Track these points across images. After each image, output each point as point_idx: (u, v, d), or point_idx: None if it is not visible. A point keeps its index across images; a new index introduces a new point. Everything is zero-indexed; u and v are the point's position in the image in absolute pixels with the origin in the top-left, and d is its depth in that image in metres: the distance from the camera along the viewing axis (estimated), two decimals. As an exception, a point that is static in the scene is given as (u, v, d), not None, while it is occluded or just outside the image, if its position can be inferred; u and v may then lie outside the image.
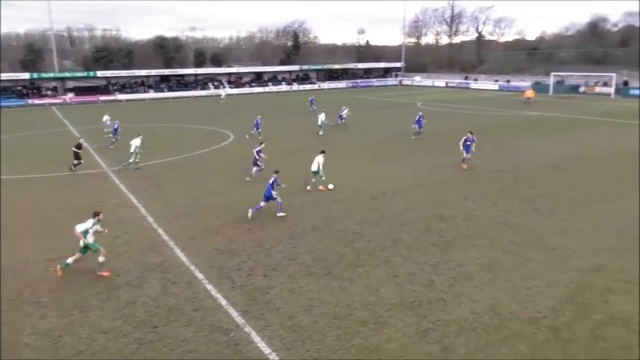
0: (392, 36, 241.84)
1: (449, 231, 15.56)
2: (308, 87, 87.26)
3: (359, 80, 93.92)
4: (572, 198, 18.91)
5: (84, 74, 75.15)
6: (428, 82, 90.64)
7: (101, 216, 13.01)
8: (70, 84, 73.73)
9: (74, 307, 11.13)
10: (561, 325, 10.03)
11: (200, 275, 12.69)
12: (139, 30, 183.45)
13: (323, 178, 20.39)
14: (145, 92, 76.53)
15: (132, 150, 25.00)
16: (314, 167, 20.28)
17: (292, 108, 54.56)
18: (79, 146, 24.99)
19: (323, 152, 20.73)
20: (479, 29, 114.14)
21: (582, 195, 19.34)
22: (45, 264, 13.51)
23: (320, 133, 34.65)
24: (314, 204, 18.29)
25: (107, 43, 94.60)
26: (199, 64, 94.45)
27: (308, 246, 14.52)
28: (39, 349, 9.61)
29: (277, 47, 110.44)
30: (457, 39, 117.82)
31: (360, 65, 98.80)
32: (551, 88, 66.91)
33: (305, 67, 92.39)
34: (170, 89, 78.48)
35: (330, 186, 20.53)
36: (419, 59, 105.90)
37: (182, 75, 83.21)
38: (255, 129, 33.75)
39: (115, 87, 75.97)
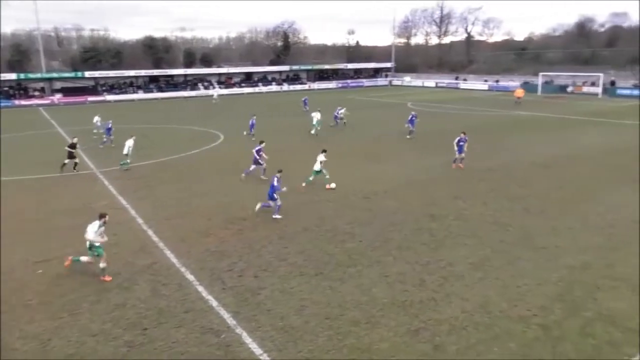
0: (382, 36, 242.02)
1: (440, 230, 15.63)
2: (298, 87, 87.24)
3: (349, 81, 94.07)
4: (561, 197, 19.08)
5: (72, 74, 74.53)
6: (418, 82, 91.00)
7: (107, 218, 12.79)
8: (58, 85, 73.04)
9: (63, 310, 11.02)
10: (551, 323, 10.12)
11: (190, 277, 12.62)
12: (127, 30, 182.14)
13: (327, 177, 20.45)
14: (134, 92, 76.02)
15: (125, 151, 24.91)
16: (316, 167, 20.37)
17: (285, 108, 54.50)
18: (72, 146, 24.76)
19: (324, 151, 20.80)
20: (468, 30, 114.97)
21: (571, 194, 19.52)
22: (33, 266, 13.38)
23: (312, 132, 34.64)
24: (305, 204, 18.28)
25: (95, 43, 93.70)
26: (188, 65, 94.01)
27: (299, 246, 14.51)
28: (28, 353, 9.50)
29: (267, 47, 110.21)
30: (446, 40, 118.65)
31: (351, 66, 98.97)
32: (539, 88, 67.48)
33: (295, 67, 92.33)
34: (160, 90, 78.01)
35: (333, 185, 20.56)
36: (409, 59, 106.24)
37: (172, 76, 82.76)
38: (250, 129, 33.70)
39: (104, 88, 75.40)
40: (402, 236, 15.17)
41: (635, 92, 62.22)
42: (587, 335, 9.64)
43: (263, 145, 22.22)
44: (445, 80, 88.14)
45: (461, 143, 23.98)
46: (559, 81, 70.04)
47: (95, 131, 36.84)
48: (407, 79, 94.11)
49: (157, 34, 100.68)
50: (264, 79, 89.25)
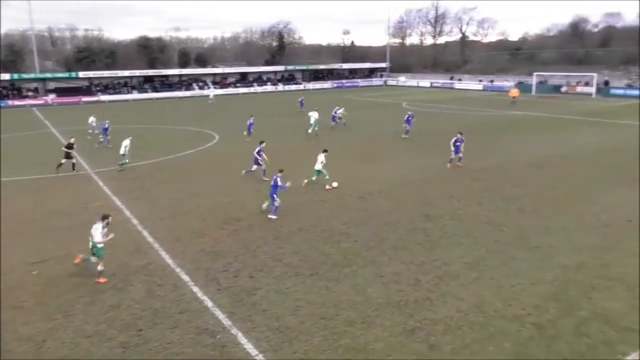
0: (377, 37, 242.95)
1: (435, 230, 15.66)
2: (293, 87, 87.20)
3: (344, 81, 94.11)
4: (555, 197, 19.16)
5: (66, 74, 74.12)
6: (413, 82, 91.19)
7: (110, 219, 12.80)
8: (52, 85, 72.62)
9: (57, 312, 10.97)
10: (545, 322, 10.15)
11: (186, 277, 12.59)
12: (121, 30, 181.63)
13: (327, 177, 20.45)
14: (128, 92, 75.74)
15: (122, 151, 24.85)
16: (317, 166, 20.40)
17: (281, 109, 54.42)
18: (69, 146, 24.63)
19: (325, 151, 20.83)
20: (463, 30, 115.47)
21: (565, 194, 19.60)
22: (27, 267, 13.30)
23: (309, 131, 34.66)
24: (300, 205, 18.27)
25: (90, 43, 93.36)
26: (183, 65, 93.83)
27: (294, 247, 14.50)
28: (23, 354, 9.45)
29: (262, 47, 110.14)
30: (441, 40, 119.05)
31: (346, 66, 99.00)
32: (534, 88, 67.75)
33: (290, 67, 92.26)
34: (154, 90, 77.74)
35: (335, 184, 20.60)
36: (404, 59, 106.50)
37: (166, 76, 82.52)
38: (248, 129, 33.70)
39: (98, 88, 75.07)
40: (397, 236, 15.19)
41: (629, 92, 62.61)
42: (581, 335, 9.69)
43: (263, 145, 22.16)
44: (440, 80, 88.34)
45: (457, 143, 24.08)
46: (553, 81, 70.37)
47: (90, 131, 36.70)
48: (402, 79, 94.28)
49: (152, 34, 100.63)
50: (259, 79, 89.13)
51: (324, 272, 12.72)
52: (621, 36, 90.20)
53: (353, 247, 14.44)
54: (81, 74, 72.62)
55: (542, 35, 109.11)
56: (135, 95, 75.13)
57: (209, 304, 11.20)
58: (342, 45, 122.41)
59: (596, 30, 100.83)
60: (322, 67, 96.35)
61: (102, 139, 32.19)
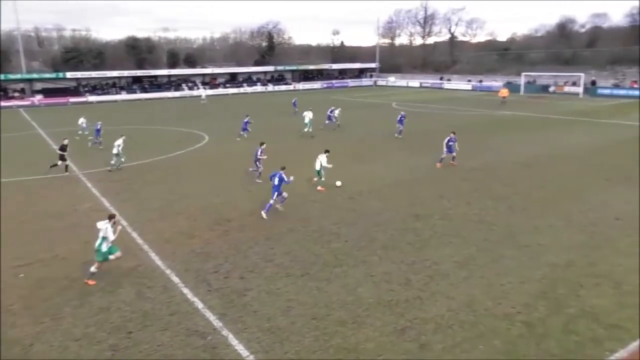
0: (366, 37, 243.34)
1: (425, 230, 15.72)
2: (283, 87, 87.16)
3: (334, 81, 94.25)
4: (544, 196, 19.32)
5: (53, 75, 73.36)
6: (402, 83, 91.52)
7: (116, 218, 12.79)
8: (39, 86, 71.98)
9: (45, 315, 10.85)
10: (535, 320, 10.24)
11: (176, 279, 12.52)
12: (109, 30, 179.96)
13: (322, 179, 20.43)
14: (117, 93, 75.26)
15: (114, 151, 24.74)
16: (317, 166, 20.40)
17: (273, 109, 54.34)
18: (63, 148, 24.42)
19: (327, 151, 20.79)
20: (452, 30, 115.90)
21: (554, 193, 19.77)
22: (14, 270, 13.14)
23: (305, 130, 34.72)
24: (291, 205, 18.24)
25: (77, 43, 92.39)
26: (172, 65, 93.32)
27: (285, 247, 14.48)
28: (10, 359, 9.33)
29: (251, 47, 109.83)
30: (430, 40, 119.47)
31: (335, 66, 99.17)
32: (522, 88, 68.30)
33: (280, 67, 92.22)
34: (143, 91, 77.30)
35: (338, 183, 20.70)
36: (393, 59, 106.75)
37: (155, 77, 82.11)
38: (243, 129, 33.73)
39: (86, 89, 74.51)
40: (387, 236, 15.23)
41: (616, 91, 63.35)
42: (570, 332, 9.78)
43: (264, 146, 22.04)
44: (430, 80, 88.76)
45: (450, 143, 24.27)
46: (541, 81, 71.01)
47: (80, 132, 36.37)
48: (392, 79, 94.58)
49: (140, 35, 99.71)
50: (249, 80, 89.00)
51: (315, 273, 12.72)
52: (608, 36, 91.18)
53: (344, 247, 14.45)
54: (69, 75, 71.97)
55: (530, 36, 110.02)
56: (123, 96, 74.64)
57: (200, 305, 11.15)
58: (331, 45, 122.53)
59: (583, 30, 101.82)
60: (311, 67, 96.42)
61: (95, 140, 31.94)
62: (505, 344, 9.42)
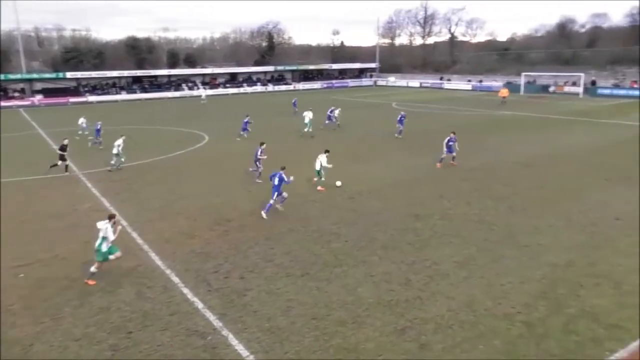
0: (366, 37, 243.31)
1: (425, 230, 15.72)
2: (283, 87, 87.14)
3: (334, 81, 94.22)
4: (544, 196, 19.32)
5: (53, 75, 73.35)
6: (402, 83, 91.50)
7: (116, 218, 12.82)
8: (39, 86, 71.97)
9: (45, 315, 10.85)
10: (535, 320, 10.23)
11: (176, 279, 12.52)
12: (109, 30, 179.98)
13: (322, 179, 20.46)
14: (117, 93, 75.27)
15: (115, 151, 24.77)
16: (317, 166, 20.44)
17: (273, 109, 54.31)
18: (63, 148, 24.44)
19: (327, 151, 20.81)
20: (452, 30, 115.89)
21: (554, 193, 19.76)
22: (14, 270, 13.13)
23: (305, 130, 34.77)
24: (291, 205, 18.24)
25: (77, 43, 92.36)
26: (172, 65, 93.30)
27: (285, 247, 14.48)
28: (10, 359, 9.33)
29: (251, 47, 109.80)
30: (430, 40, 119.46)
31: (335, 66, 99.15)
32: (522, 88, 68.30)
33: (280, 67, 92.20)
34: (143, 91, 77.29)
35: (338, 183, 20.72)
36: (393, 59, 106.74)
37: (155, 77, 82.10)
38: (243, 129, 33.79)
39: (86, 89, 74.50)
40: (387, 236, 15.23)
41: (616, 91, 63.34)
42: (570, 332, 9.77)
43: (264, 146, 22.05)
44: (430, 80, 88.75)
45: (450, 143, 24.30)
46: (541, 81, 70.98)
47: (80, 132, 36.37)
48: (392, 79, 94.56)
49: (140, 35, 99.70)
50: (249, 80, 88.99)
51: (315, 273, 12.72)
52: (608, 36, 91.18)
53: (344, 247, 14.45)
54: (69, 75, 71.95)
55: (530, 36, 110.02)
56: (123, 96, 74.64)
57: (200, 305, 11.15)
58: (331, 45, 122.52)
59: (583, 30, 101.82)
60: (311, 67, 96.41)
61: (96, 140, 31.96)
62: (505, 344, 9.42)
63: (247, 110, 43.16)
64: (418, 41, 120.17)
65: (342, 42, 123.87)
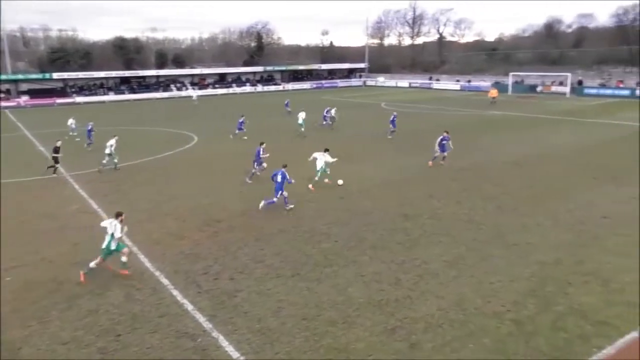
0: (355, 37, 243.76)
1: (414, 229, 15.77)
2: (272, 88, 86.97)
3: (323, 81, 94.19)
4: (532, 195, 19.46)
5: (39, 76, 72.63)
6: (392, 83, 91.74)
7: (124, 216, 12.78)
8: (25, 87, 71.13)
9: (33, 318, 10.72)
10: (524, 318, 10.31)
11: (165, 281, 12.43)
12: (96, 30, 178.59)
13: (316, 178, 20.66)
14: (104, 94, 74.62)
15: (107, 151, 24.67)
16: (318, 166, 20.57)
17: (264, 109, 54.18)
18: (56, 150, 24.25)
19: (327, 150, 20.94)
20: (440, 30, 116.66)
21: (542, 192, 19.92)
22: (1, 273, 12.94)
23: (303, 129, 34.86)
24: (281, 206, 18.21)
25: (64, 44, 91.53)
26: (160, 66, 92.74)
27: (275, 248, 14.44)
28: (-4, 363, 9.21)
29: (240, 48, 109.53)
30: (419, 40, 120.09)
31: (325, 66, 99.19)
32: (510, 87, 68.80)
33: (269, 68, 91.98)
34: (132, 91, 76.69)
35: (340, 182, 20.74)
36: (382, 59, 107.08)
37: (144, 77, 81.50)
38: (238, 129, 33.80)
39: (73, 89, 73.77)
40: (377, 236, 15.25)
41: (602, 91, 64.06)
42: (558, 330, 9.86)
43: (264, 146, 22.09)
44: (419, 80, 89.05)
45: (444, 142, 24.43)
46: (529, 81, 71.52)
47: (71, 133, 36.01)
48: (381, 80, 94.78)
49: (128, 35, 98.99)
50: (238, 80, 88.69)
51: (305, 273, 12.70)
52: (594, 36, 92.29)
53: (334, 247, 14.45)
54: (55, 75, 71.22)
55: (517, 36, 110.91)
56: (111, 96, 74.04)
57: (189, 307, 11.08)
58: (320, 45, 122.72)
59: (570, 30, 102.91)
60: (301, 67, 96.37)
61: (89, 141, 31.70)
62: (495, 342, 9.47)
63: (237, 110, 43.08)
64: (407, 41, 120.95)
65: (331, 43, 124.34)
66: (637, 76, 67.85)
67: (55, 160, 24.08)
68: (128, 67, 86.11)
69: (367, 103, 60.71)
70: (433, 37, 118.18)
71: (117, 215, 12.70)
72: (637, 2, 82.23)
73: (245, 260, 13.58)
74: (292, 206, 17.85)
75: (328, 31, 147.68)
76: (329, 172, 20.89)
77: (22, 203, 19.68)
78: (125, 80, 79.62)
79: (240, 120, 34.19)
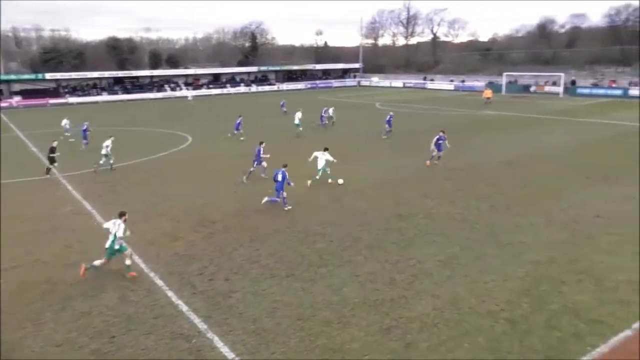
0: (349, 37, 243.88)
1: (409, 229, 15.80)
2: (267, 88, 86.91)
3: (317, 81, 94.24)
4: (526, 194, 19.55)
5: (32, 76, 72.21)
6: (386, 83, 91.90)
7: (127, 216, 12.86)
8: (17, 87, 70.72)
9: (26, 320, 10.65)
10: (518, 317, 10.35)
11: (160, 282, 12.39)
12: (89, 30, 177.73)
13: (317, 177, 20.83)
14: (98, 94, 74.34)
15: (103, 152, 24.67)
16: (319, 165, 20.75)
17: (259, 110, 54.09)
18: (52, 150, 24.14)
19: (326, 149, 21.14)
20: (434, 30, 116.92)
21: (535, 191, 20.01)
22: (-7, 275, 12.87)
23: (300, 129, 34.94)
24: (276, 206, 18.20)
25: (56, 44, 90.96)
26: (154, 66, 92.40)
27: (270, 248, 14.43)
28: (-11, 365, 9.15)
29: (234, 48, 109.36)
30: (413, 40, 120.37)
31: (319, 66, 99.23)
32: (504, 87, 69.07)
33: (263, 68, 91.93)
34: (125, 91, 76.40)
35: (340, 181, 20.92)
36: (377, 60, 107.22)
37: (137, 77, 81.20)
38: (236, 129, 33.78)
39: (66, 90, 73.39)
40: (372, 236, 15.27)
41: (595, 91, 64.43)
42: (552, 328, 9.91)
43: (263, 145, 22.13)
44: (413, 80, 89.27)
45: (440, 141, 24.50)
46: (522, 81, 71.84)
47: (66, 134, 35.82)
48: (375, 80, 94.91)
49: (121, 35, 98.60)
50: (232, 80, 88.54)
51: (300, 273, 12.70)
52: (587, 37, 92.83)
53: (329, 247, 14.45)
54: (48, 76, 70.88)
55: (511, 36, 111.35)
56: (105, 97, 73.76)
57: (184, 308, 11.05)
58: (315, 45, 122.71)
59: (563, 31, 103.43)
60: (295, 67, 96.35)
61: (85, 141, 31.56)
62: (489, 341, 9.51)
63: (231, 111, 43.04)
64: (401, 41, 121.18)
65: (325, 43, 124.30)
66: (630, 76, 68.33)
67: (52, 160, 23.97)
68: (121, 68, 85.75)
69: (362, 103, 60.76)
70: (427, 37, 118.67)
71: (121, 214, 12.74)
72: (629, 2, 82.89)
73: (240, 261, 13.56)
74: (290, 207, 17.84)
75: (322, 31, 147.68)
76: (329, 172, 20.99)
77: (15, 204, 19.54)
78: (118, 81, 79.32)
79: (238, 121, 34.14)
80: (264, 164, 22.07)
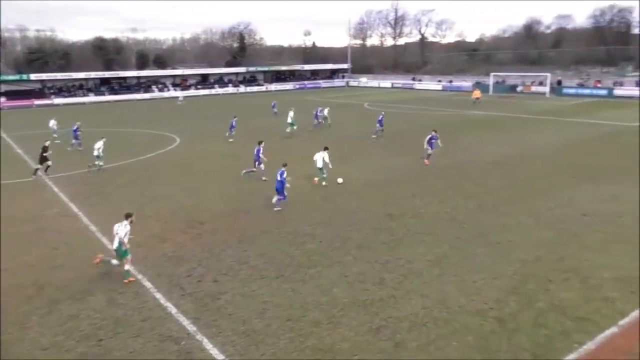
0: (338, 38, 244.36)
1: (398, 229, 15.85)
2: (255, 89, 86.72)
3: (306, 82, 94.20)
4: (513, 194, 19.71)
5: (16, 77, 71.20)
6: (374, 83, 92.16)
7: (133, 217, 12.76)
8: (2, 88, 69.67)
9: (13, 323, 10.51)
10: (506, 315, 10.43)
11: (148, 284, 12.30)
12: (75, 31, 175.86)
13: (324, 176, 20.97)
14: (84, 95, 73.64)
15: (95, 153, 24.56)
16: (319, 164, 20.77)
17: (249, 110, 53.81)
18: (44, 149, 23.87)
19: (326, 148, 21.16)
20: (422, 31, 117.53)
21: (522, 191, 20.18)
22: (-22, 279, 12.68)
23: (295, 128, 34.98)
24: (265, 206, 18.16)
25: (42, 44, 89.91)
26: (141, 66, 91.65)
27: (259, 249, 14.39)
28: (-26, 371, 9.01)
29: (222, 48, 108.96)
30: (401, 41, 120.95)
31: (307, 67, 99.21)
32: (491, 88, 69.56)
33: (252, 68, 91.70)
34: (112, 92, 75.76)
35: (340, 180, 21.02)
36: (365, 60, 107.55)
37: (124, 78, 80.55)
38: (230, 130, 33.70)
39: (52, 91, 72.58)
40: (361, 236, 15.29)
41: (580, 91, 65.16)
42: (540, 326, 9.99)
43: (262, 145, 22.15)
44: (401, 80, 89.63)
45: (432, 140, 24.69)
46: (509, 81, 72.43)
47: (54, 135, 35.40)
48: (364, 80, 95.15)
49: (107, 35, 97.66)
50: (220, 81, 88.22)
51: (290, 274, 12.68)
52: (572, 37, 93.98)
53: (318, 247, 14.45)
54: (33, 77, 70.09)
55: (497, 37, 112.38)
56: (91, 98, 73.09)
57: (173, 310, 10.97)
58: (303, 46, 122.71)
59: (549, 31, 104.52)
60: (283, 68, 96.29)
61: (74, 142, 31.22)
62: (478, 340, 9.57)
63: (220, 111, 42.88)
64: (389, 42, 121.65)
65: (313, 43, 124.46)
66: (614, 76, 69.22)
67: (44, 159, 23.82)
68: (108, 68, 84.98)
69: (351, 103, 60.84)
70: (415, 37, 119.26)
71: (127, 216, 12.66)
72: (614, 2, 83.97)
73: (229, 262, 13.50)
74: (280, 209, 17.81)
75: (310, 32, 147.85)
76: (324, 176, 21.03)
77: (1, 206, 19.27)
78: (105, 81, 78.62)
79: (233, 122, 34.00)
80: (262, 166, 22.01)
